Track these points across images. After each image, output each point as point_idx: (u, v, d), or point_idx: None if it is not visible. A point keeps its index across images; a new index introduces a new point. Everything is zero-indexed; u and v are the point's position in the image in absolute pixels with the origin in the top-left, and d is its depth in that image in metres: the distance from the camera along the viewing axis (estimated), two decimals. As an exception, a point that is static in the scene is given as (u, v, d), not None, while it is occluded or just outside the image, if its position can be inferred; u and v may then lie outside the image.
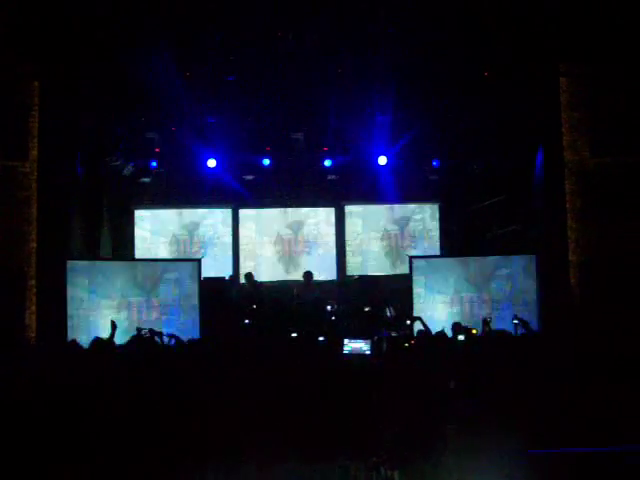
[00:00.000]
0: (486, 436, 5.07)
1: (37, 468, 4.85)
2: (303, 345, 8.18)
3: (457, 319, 11.84)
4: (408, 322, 11.60)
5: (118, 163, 14.92)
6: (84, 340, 8.48)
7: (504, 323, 11.41)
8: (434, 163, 15.55)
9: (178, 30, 11.61)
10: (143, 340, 8.68)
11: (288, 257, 16.46)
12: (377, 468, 5.54)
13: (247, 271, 15.09)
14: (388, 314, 12.69)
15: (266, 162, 15.31)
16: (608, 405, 5.01)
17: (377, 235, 16.60)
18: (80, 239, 13.63)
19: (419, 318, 10.86)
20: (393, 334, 10.39)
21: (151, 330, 9.26)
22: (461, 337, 9.63)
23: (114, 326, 9.08)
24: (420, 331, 10.27)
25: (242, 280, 15.11)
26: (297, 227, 16.60)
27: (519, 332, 9.77)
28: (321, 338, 9.30)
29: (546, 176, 12.98)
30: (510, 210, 14.52)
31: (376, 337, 9.45)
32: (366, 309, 12.73)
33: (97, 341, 7.68)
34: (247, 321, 12.63)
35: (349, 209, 16.63)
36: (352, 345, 8.33)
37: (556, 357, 6.44)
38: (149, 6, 11.16)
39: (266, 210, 16.56)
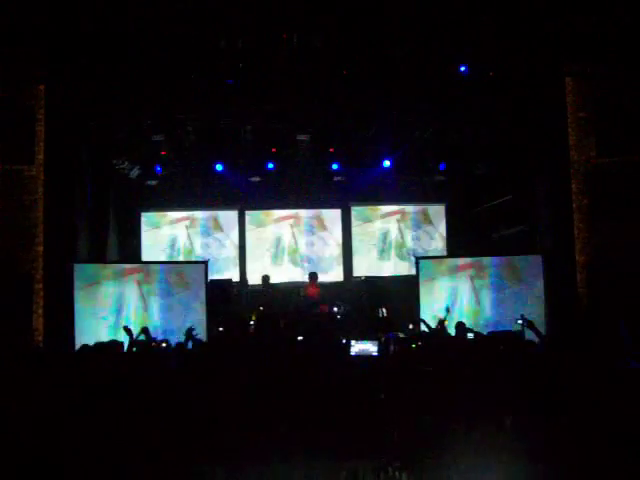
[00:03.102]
0: (493, 436, 5.07)
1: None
2: (310, 346, 8.19)
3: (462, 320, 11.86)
4: (411, 326, 11.61)
5: (124, 166, 14.96)
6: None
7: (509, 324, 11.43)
8: (440, 164, 15.56)
9: (183, 32, 11.61)
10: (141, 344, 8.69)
11: (294, 258, 16.47)
12: (385, 469, 5.54)
13: (255, 273, 15.16)
14: (380, 315, 12.69)
15: (270, 166, 15.33)
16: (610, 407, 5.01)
17: (384, 236, 16.60)
18: (87, 242, 13.65)
19: (423, 320, 10.92)
20: (400, 335, 10.39)
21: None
22: (470, 335, 9.64)
23: (129, 332, 9.04)
24: (423, 332, 10.31)
25: (251, 282, 15.22)
26: (303, 228, 16.62)
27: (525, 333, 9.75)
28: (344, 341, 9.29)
29: (552, 176, 12.96)
30: (516, 210, 14.50)
31: (383, 338, 9.45)
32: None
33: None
34: (252, 323, 12.65)
35: (355, 210, 16.63)
36: (359, 346, 8.32)
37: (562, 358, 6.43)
38: (154, 8, 11.17)
39: (272, 212, 16.57)
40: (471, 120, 13.98)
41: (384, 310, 12.78)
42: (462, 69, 12.58)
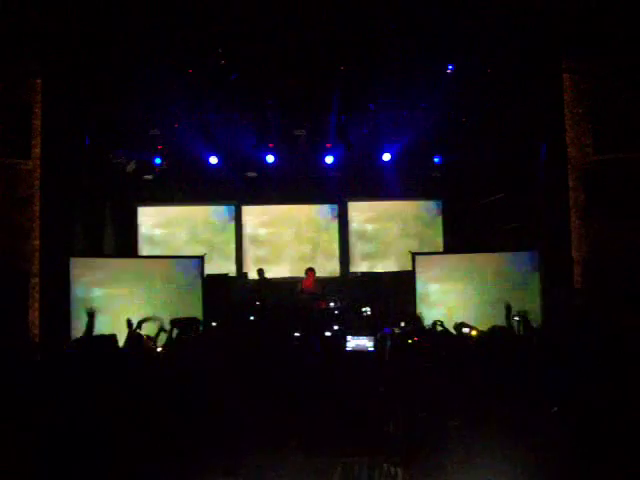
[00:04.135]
0: (490, 433, 5.07)
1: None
2: (305, 342, 8.20)
3: (459, 316, 11.87)
4: (403, 323, 11.59)
5: (121, 160, 14.94)
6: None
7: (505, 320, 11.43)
8: (436, 160, 15.55)
9: (180, 28, 11.59)
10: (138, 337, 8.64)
11: (291, 254, 16.47)
12: (381, 465, 5.55)
13: (253, 268, 15.16)
14: (364, 315, 12.67)
15: (270, 159, 15.31)
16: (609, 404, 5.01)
17: (380, 231, 16.60)
18: (83, 236, 13.64)
19: (417, 318, 10.90)
20: (396, 330, 10.38)
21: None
22: (466, 330, 9.64)
23: (130, 325, 8.99)
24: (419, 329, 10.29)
25: (250, 276, 15.23)
26: (300, 224, 16.61)
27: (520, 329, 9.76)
28: (328, 333, 9.33)
29: (549, 172, 12.97)
30: (513, 206, 14.50)
31: (379, 334, 9.45)
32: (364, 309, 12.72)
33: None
34: (252, 318, 12.65)
35: (352, 205, 16.63)
36: (355, 342, 8.32)
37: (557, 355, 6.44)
38: (151, 4, 11.14)
39: (269, 207, 16.57)
40: (468, 116, 13.99)
41: (368, 309, 12.76)
42: (450, 68, 12.65)
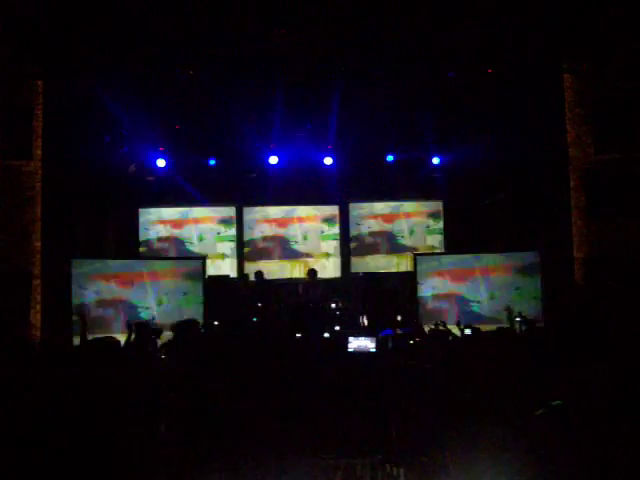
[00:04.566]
0: (490, 434, 5.07)
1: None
2: (307, 343, 8.20)
3: (461, 317, 11.87)
4: (399, 318, 11.61)
5: (122, 162, 14.92)
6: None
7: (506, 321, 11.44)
8: (436, 160, 15.51)
9: (180, 29, 11.59)
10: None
11: (292, 255, 16.45)
12: (383, 466, 5.55)
13: (255, 270, 15.13)
14: (361, 325, 12.71)
15: (273, 161, 15.25)
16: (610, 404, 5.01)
17: (381, 233, 16.58)
18: (85, 238, 13.63)
19: (419, 319, 10.92)
20: (398, 331, 10.39)
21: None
22: (468, 331, 9.65)
23: (131, 328, 8.95)
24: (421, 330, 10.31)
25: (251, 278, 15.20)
26: (301, 225, 16.60)
27: (522, 329, 9.78)
28: (326, 335, 9.35)
29: (550, 172, 12.97)
30: (514, 207, 14.49)
31: (381, 335, 9.45)
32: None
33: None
34: (255, 319, 12.66)
35: (353, 206, 16.61)
36: (357, 342, 8.32)
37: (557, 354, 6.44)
38: (150, 4, 11.14)
39: (270, 208, 16.55)
40: (470, 117, 13.97)
41: (365, 318, 12.79)
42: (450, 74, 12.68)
